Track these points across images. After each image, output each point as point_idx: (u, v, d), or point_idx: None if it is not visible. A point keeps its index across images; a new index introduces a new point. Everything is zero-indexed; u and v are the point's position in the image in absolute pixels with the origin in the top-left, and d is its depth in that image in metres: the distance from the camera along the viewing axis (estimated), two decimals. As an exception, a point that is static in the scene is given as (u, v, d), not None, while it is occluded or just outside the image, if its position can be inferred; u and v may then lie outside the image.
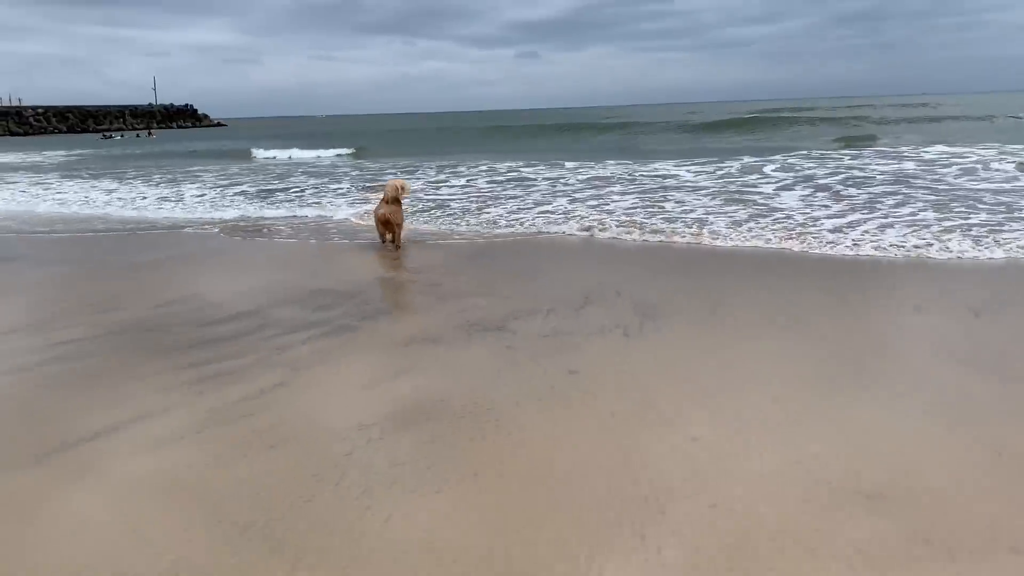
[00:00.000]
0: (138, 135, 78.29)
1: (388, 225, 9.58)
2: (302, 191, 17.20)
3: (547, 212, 11.80)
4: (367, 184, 18.35)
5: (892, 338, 5.50)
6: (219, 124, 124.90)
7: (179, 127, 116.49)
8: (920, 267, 7.74)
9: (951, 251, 8.07)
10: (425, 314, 6.44)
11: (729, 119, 43.91)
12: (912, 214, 10.12)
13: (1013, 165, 15.49)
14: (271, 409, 4.38)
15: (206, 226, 12.34)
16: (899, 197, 11.65)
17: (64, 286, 8.23)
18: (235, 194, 17.05)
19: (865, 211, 10.66)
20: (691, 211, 11.33)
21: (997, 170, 14.81)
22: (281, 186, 18.68)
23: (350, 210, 13.46)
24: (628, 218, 10.79)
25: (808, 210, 10.98)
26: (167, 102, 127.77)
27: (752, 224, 9.96)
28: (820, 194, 12.65)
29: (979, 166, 16.01)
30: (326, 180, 19.63)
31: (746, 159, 20.33)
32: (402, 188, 9.55)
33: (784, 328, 5.72)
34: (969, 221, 9.43)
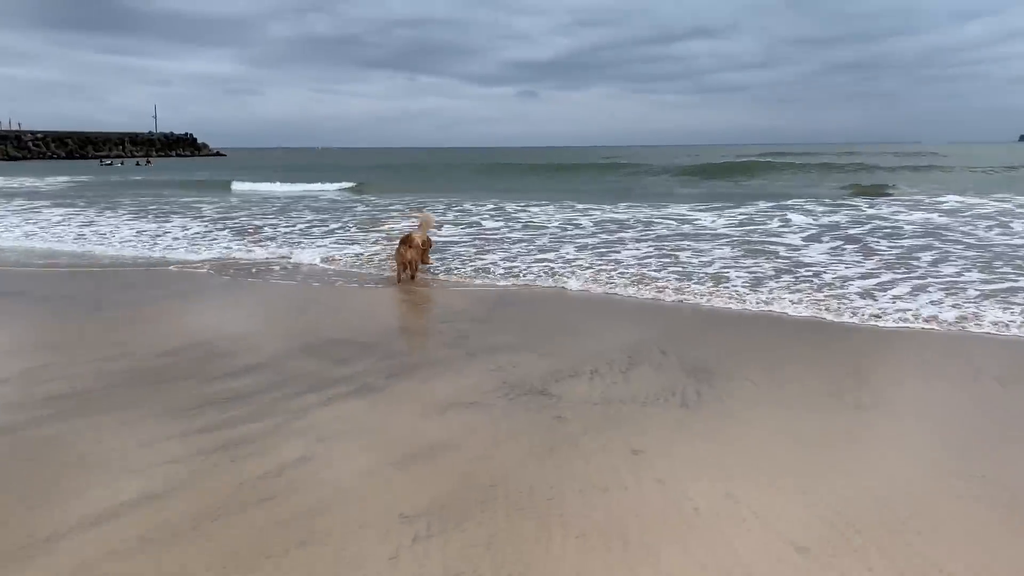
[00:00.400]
0: (137, 163, 77.95)
1: (411, 265, 9.81)
2: (302, 228, 16.53)
3: (563, 260, 11.07)
4: (363, 224, 17.78)
5: (988, 422, 4.96)
6: (218, 154, 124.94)
7: (178, 155, 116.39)
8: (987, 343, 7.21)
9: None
10: (457, 372, 5.87)
11: (735, 162, 43.83)
12: (956, 274, 9.43)
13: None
14: (296, 492, 3.80)
15: (196, 265, 11.63)
16: (933, 252, 11.06)
17: (61, 327, 7.65)
18: (229, 230, 16.28)
19: (901, 270, 9.88)
20: (709, 263, 10.64)
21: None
22: (281, 222, 18.08)
23: (352, 249, 12.81)
24: (642, 269, 10.15)
25: (839, 266, 10.20)
26: (167, 130, 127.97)
27: (775, 284, 9.06)
28: (849, 247, 11.94)
29: (1009, 219, 15.63)
30: (327, 217, 18.75)
31: (761, 204, 19.96)
32: (426, 243, 10.17)
33: (855, 406, 5.16)
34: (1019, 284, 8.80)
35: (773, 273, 9.87)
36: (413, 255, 9.74)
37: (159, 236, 15.19)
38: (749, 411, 4.95)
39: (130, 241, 14.52)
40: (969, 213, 17.24)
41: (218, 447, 4.38)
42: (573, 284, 9.34)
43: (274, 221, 17.69)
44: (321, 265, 11.32)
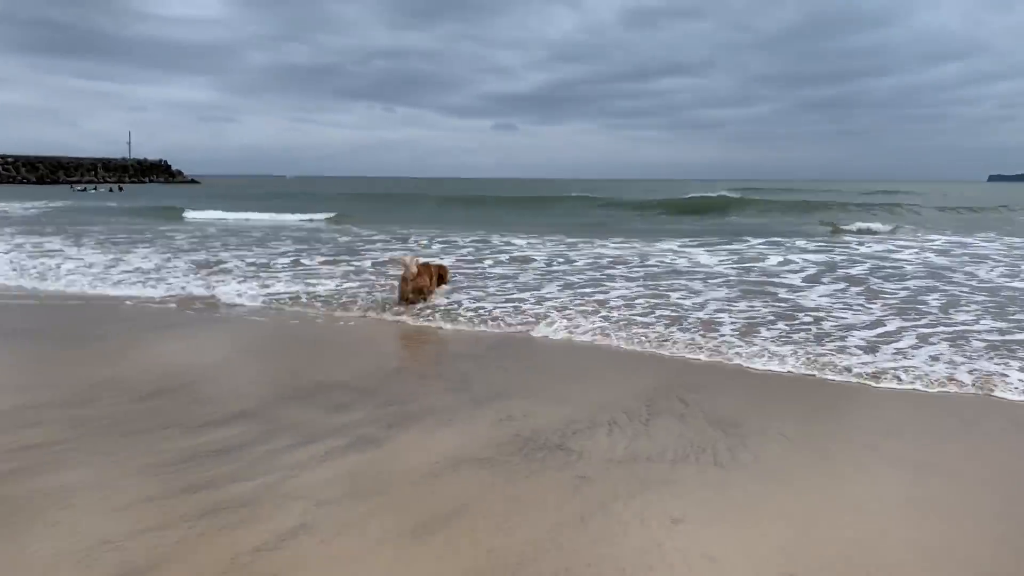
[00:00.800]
0: (111, 189, 76.69)
1: (420, 292, 9.97)
2: (280, 260, 15.95)
3: (550, 299, 10.42)
4: (381, 262, 17.29)
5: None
6: (193, 181, 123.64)
7: (151, 182, 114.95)
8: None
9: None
10: (464, 422, 5.42)
11: (716, 198, 43.89)
12: (971, 322, 8.74)
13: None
14: (299, 570, 3.32)
15: (161, 300, 10.83)
16: (939, 295, 10.67)
17: (28, 367, 7.09)
18: (196, 262, 15.66)
19: (912, 316, 9.13)
20: (702, 305, 9.94)
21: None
22: (257, 254, 17.54)
23: (328, 284, 12.10)
24: (630, 312, 9.40)
25: (843, 313, 9.35)
26: (141, 156, 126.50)
27: (771, 333, 8.24)
28: (853, 289, 11.35)
29: (1008, 259, 15.56)
30: (304, 248, 18.06)
31: (752, 240, 19.77)
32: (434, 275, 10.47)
33: (914, 466, 4.78)
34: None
35: (769, 317, 9.16)
36: (421, 283, 9.94)
37: (114, 268, 13.98)
38: (788, 472, 4.54)
39: (89, 272, 13.38)
40: (962, 252, 17.18)
41: (206, 511, 3.89)
42: (559, 326, 8.74)
43: (250, 253, 17.05)
44: (300, 300, 10.60)
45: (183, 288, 11.62)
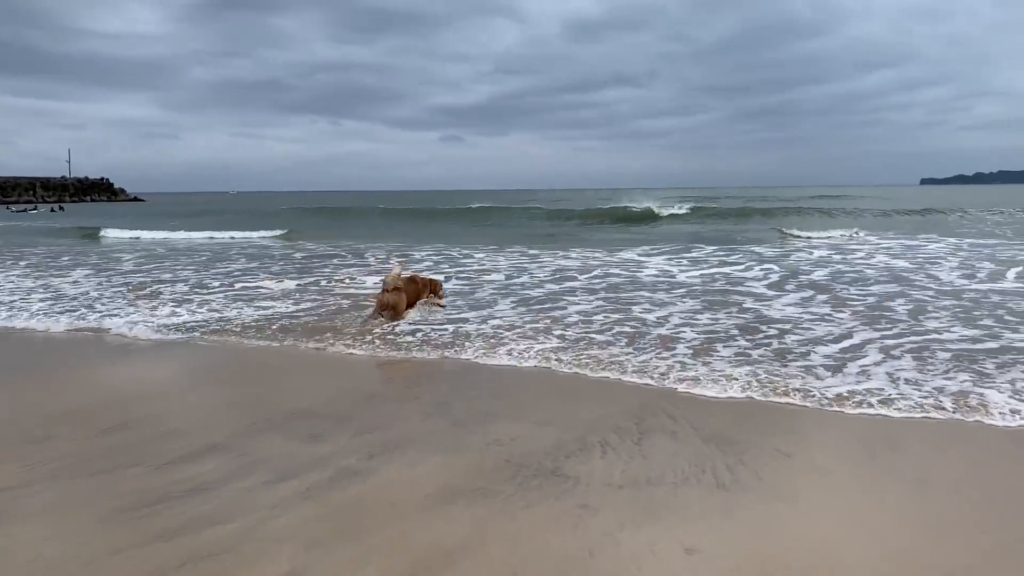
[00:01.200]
0: (52, 209, 74.16)
1: (388, 308, 9.68)
2: (231, 281, 15.48)
3: (523, 319, 9.87)
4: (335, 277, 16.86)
5: None
6: (136, 199, 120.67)
7: (94, 200, 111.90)
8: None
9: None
10: (450, 450, 5.15)
11: (664, 207, 44.16)
12: (941, 330, 8.55)
13: (992, 264, 15.34)
14: (294, 627, 3.03)
15: (100, 330, 10.44)
16: (904, 300, 10.65)
17: (-29, 402, 6.61)
18: (132, 284, 15.15)
19: (884, 326, 8.85)
20: (665, 319, 9.52)
21: (983, 268, 14.52)
22: (206, 275, 17.01)
23: (281, 306, 11.75)
24: (587, 329, 8.95)
25: (811, 325, 9.01)
26: (82, 175, 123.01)
27: (728, 351, 7.76)
28: (820, 297, 11.17)
29: (961, 259, 15.90)
30: (254, 266, 17.52)
31: (708, 248, 19.90)
32: (403, 279, 9.90)
33: (917, 480, 4.67)
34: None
35: (733, 331, 8.78)
36: (391, 298, 9.69)
37: (42, 293, 13.30)
38: (797, 494, 4.37)
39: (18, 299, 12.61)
40: (914, 254, 17.51)
41: (183, 562, 3.57)
42: (517, 348, 8.29)
43: (199, 275, 16.48)
44: (252, 323, 10.18)
45: (131, 312, 11.08)
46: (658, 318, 9.74)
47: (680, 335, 8.69)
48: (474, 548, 3.69)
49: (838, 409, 5.99)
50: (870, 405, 6.03)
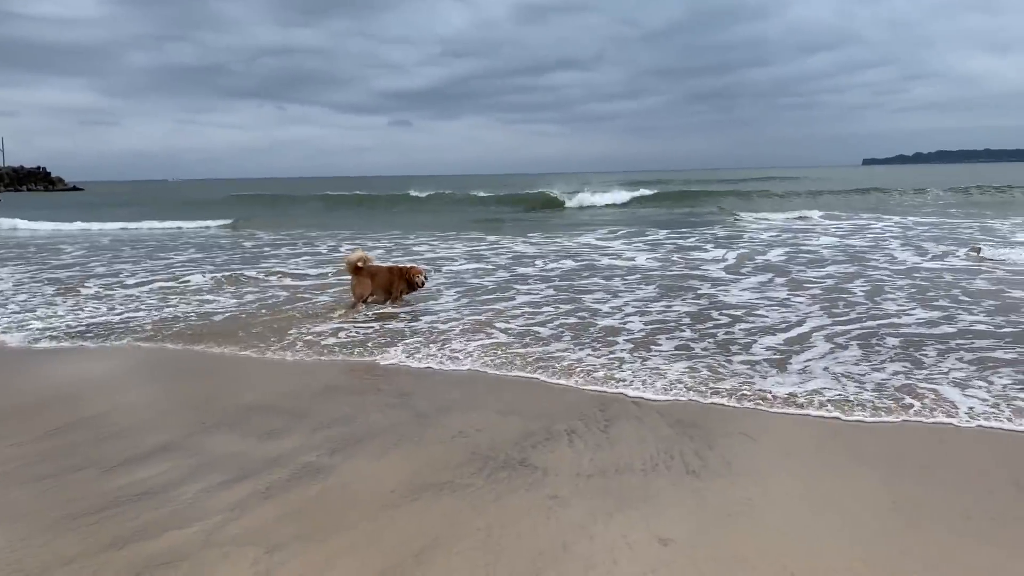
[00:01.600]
0: (-14, 199, 71.33)
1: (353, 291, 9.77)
2: (171, 273, 15.05)
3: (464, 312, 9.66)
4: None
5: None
6: (75, 188, 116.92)
7: (29, 190, 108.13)
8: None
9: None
10: (414, 442, 5.03)
11: (622, 191, 44.18)
12: (901, 313, 8.45)
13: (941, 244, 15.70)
14: (260, 636, 2.89)
15: (37, 331, 10.12)
16: (862, 281, 10.69)
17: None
18: (58, 282, 14.61)
19: (843, 309, 8.79)
20: (618, 309, 9.19)
21: (929, 247, 14.86)
22: (140, 268, 16.51)
23: (228, 299, 11.42)
24: (531, 322, 8.51)
25: (772, 309, 8.86)
26: (16, 164, 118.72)
27: (671, 344, 7.39)
28: (778, 280, 11.13)
29: (901, 237, 16.26)
30: (200, 257, 17.03)
31: (665, 232, 20.02)
32: (363, 259, 9.84)
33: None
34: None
35: (685, 318, 8.58)
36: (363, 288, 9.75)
37: None
38: (770, 483, 4.35)
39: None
40: (865, 233, 17.87)
41: (138, 571, 3.39)
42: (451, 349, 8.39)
43: (137, 267, 16.00)
44: (198, 319, 9.94)
45: (64, 313, 10.68)
46: (611, 307, 9.44)
47: (627, 325, 8.38)
48: (443, 545, 3.58)
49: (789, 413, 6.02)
50: (823, 404, 5.61)
